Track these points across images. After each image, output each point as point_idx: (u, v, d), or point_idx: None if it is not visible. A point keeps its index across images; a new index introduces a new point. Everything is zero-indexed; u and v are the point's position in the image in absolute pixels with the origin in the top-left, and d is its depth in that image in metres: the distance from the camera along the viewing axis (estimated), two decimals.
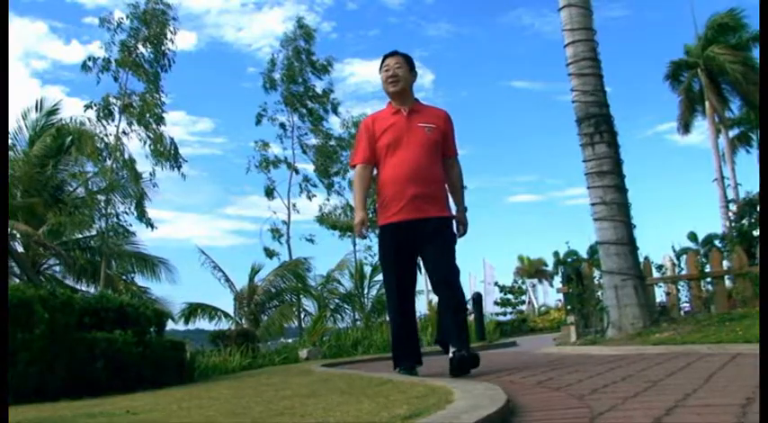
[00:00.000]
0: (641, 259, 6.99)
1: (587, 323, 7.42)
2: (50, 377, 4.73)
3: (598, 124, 6.74)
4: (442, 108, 4.25)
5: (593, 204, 6.70)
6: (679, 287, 7.67)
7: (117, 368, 5.18)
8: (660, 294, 7.76)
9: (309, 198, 19.96)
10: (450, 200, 4.18)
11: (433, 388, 2.56)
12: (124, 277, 16.05)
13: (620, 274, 6.46)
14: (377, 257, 17.51)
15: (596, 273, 7.54)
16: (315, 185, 19.96)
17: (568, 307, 8.07)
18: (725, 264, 7.76)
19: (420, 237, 3.92)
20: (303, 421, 2.15)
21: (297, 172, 19.83)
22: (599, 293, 7.26)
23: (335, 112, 20.33)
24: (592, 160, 6.73)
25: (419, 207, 3.92)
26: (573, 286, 7.59)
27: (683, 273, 7.63)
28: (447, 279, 3.88)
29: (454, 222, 4.11)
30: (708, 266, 7.61)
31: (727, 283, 7.74)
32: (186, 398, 3.62)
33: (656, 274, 7.68)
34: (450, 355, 3.70)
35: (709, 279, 7.58)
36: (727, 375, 2.63)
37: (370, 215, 6.77)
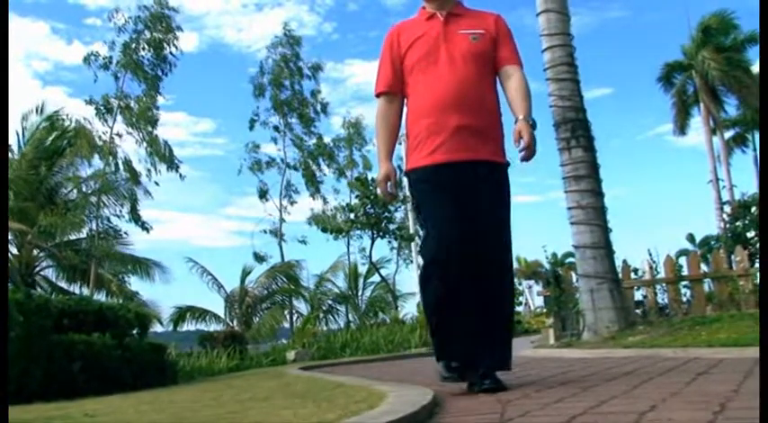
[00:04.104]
0: (619, 263, 7.07)
1: (564, 326, 7.50)
2: (27, 379, 4.80)
3: (574, 129, 6.81)
4: (491, 11, 3.09)
5: (569, 208, 6.77)
6: (657, 291, 7.73)
7: (95, 371, 5.26)
8: (639, 298, 7.84)
9: (291, 203, 20.39)
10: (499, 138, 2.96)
11: (372, 392, 2.64)
12: (117, 278, 16.14)
13: (596, 277, 6.54)
14: (372, 258, 17.65)
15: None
16: (297, 192, 20.44)
17: (544, 310, 8.15)
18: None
19: (465, 189, 2.78)
20: None
21: (275, 162, 20.16)
22: (577, 296, 7.33)
23: (325, 112, 20.66)
24: (568, 164, 6.81)
25: (467, 143, 2.81)
26: (552, 289, 7.67)
27: (660, 276, 7.69)
28: (494, 257, 2.78)
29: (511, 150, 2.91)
30: (685, 269, 7.68)
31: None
32: (150, 401, 3.70)
33: (634, 278, 7.75)
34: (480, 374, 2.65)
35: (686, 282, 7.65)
36: (661, 381, 2.70)
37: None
